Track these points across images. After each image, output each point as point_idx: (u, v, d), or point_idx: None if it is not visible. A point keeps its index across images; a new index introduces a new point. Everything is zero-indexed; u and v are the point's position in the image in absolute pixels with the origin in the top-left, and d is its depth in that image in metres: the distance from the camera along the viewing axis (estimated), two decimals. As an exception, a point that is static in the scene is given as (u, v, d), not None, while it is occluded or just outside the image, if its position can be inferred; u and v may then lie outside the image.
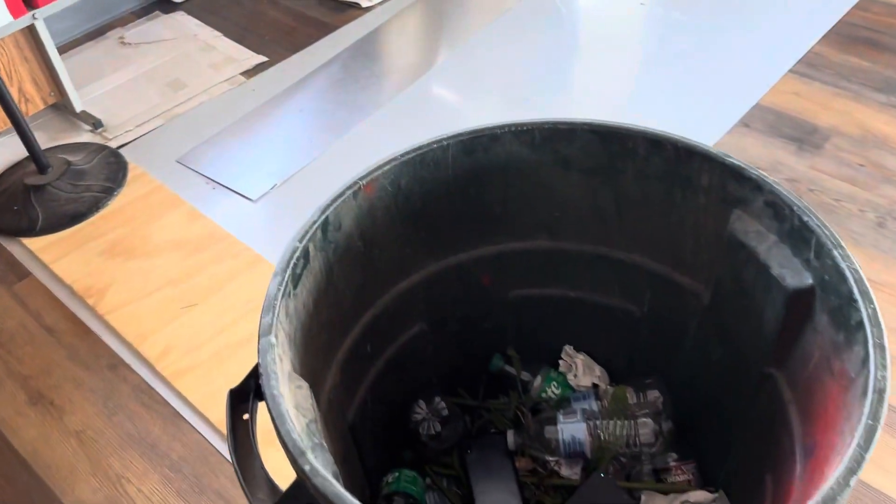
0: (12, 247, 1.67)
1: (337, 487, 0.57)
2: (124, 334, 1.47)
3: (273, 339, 0.67)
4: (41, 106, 1.95)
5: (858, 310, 0.67)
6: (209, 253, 1.62)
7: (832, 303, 0.72)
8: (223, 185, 1.78)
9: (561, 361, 1.10)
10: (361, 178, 0.82)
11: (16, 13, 1.63)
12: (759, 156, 1.76)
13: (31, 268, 1.63)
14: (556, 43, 2.15)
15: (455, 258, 0.97)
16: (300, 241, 0.75)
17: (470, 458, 0.99)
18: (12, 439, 1.33)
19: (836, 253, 0.71)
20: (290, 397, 0.66)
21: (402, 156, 0.85)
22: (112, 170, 1.81)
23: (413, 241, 0.92)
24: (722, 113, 1.87)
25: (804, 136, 1.81)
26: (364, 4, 2.32)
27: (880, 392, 0.62)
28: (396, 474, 0.97)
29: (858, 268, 0.70)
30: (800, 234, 0.75)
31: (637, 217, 0.92)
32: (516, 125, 0.87)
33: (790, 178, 1.71)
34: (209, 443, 1.31)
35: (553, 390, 1.07)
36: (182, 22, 2.32)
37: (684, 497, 0.95)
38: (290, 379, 0.69)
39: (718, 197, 0.83)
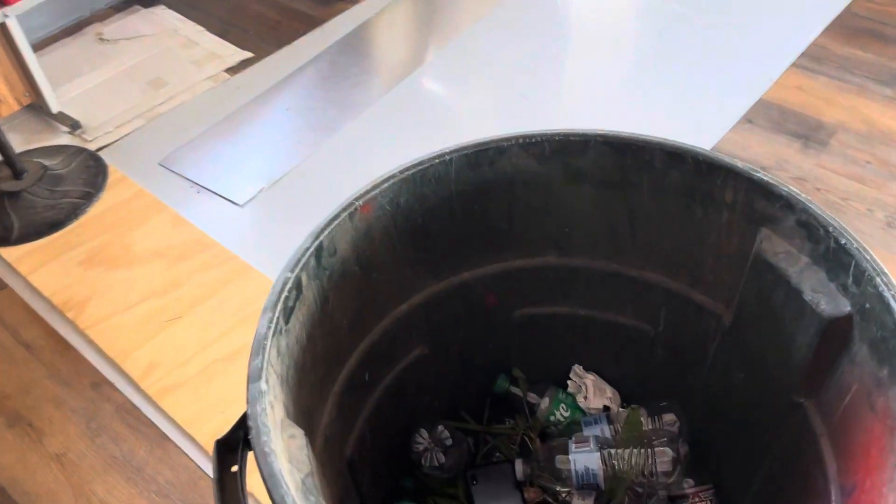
0: (-13, 257, 1.60)
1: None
2: (106, 350, 1.40)
3: (263, 386, 0.61)
4: (15, 107, 1.86)
5: (907, 345, 0.62)
6: (194, 262, 1.55)
7: (874, 334, 0.66)
8: (208, 189, 1.71)
9: (569, 382, 1.04)
10: (358, 199, 0.76)
11: (-15, 11, 1.55)
12: (763, 153, 1.70)
13: (7, 279, 1.55)
14: (551, 36, 2.08)
15: (458, 277, 0.91)
16: (291, 272, 0.69)
17: (476, 489, 0.93)
18: (-12, 465, 1.27)
19: (879, 280, 0.65)
20: (284, 450, 0.60)
21: (401, 172, 0.78)
22: (91, 174, 1.73)
23: (413, 262, 0.85)
24: (724, 109, 1.81)
25: (809, 133, 1.75)
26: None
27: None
28: (398, 507, 0.92)
29: (906, 297, 0.64)
30: (836, 258, 0.69)
31: (652, 233, 0.86)
32: (524, 137, 0.81)
33: (797, 177, 1.65)
34: (198, 466, 1.25)
35: (562, 413, 1.02)
36: (162, 17, 2.23)
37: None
38: (283, 428, 0.62)
39: (744, 214, 0.77)
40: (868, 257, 0.67)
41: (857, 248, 0.68)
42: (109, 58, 2.08)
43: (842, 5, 2.08)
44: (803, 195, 0.72)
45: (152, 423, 1.31)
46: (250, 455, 0.63)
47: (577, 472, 0.90)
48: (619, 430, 0.97)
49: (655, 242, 0.86)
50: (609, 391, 1.03)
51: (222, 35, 2.17)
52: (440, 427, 0.96)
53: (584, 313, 0.96)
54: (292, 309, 0.69)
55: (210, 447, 1.24)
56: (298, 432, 0.64)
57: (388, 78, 1.97)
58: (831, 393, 0.73)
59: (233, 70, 2.03)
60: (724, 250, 0.81)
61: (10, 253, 1.58)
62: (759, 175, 0.74)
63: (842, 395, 0.71)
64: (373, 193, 0.77)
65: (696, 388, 0.94)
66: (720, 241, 0.81)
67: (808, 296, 0.72)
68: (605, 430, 0.96)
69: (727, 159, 0.76)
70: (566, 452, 0.92)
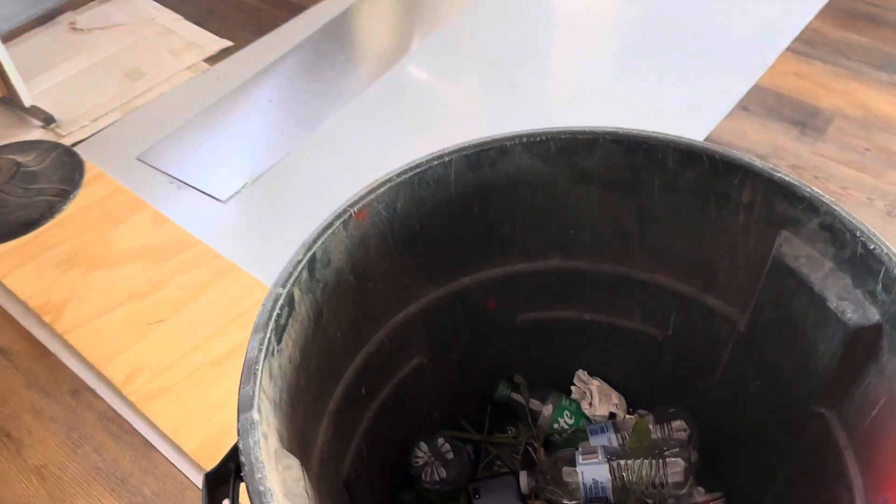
0: (-42, 259, 1.53)
1: None
2: (87, 355, 1.35)
3: (255, 416, 0.56)
4: (-15, 101, 1.79)
5: (944, 358, 0.58)
6: (176, 261, 1.49)
7: (907, 345, 0.62)
8: (189, 185, 1.65)
9: (573, 388, 1.00)
10: (352, 205, 0.71)
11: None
12: (760, 141, 1.67)
13: (-20, 283, 1.49)
14: (539, 23, 2.03)
15: (457, 283, 0.86)
16: (283, 287, 0.64)
17: (479, 503, 0.89)
18: (-36, 480, 1.21)
19: (913, 288, 0.61)
20: (279, 485, 0.55)
21: (397, 176, 0.73)
22: (67, 170, 1.67)
23: (410, 269, 0.81)
24: (719, 95, 1.76)
25: (806, 120, 1.71)
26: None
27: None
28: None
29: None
30: (864, 263, 0.65)
31: (663, 235, 0.82)
32: (528, 135, 0.76)
33: (794, 165, 1.61)
34: (185, 476, 1.20)
35: (566, 420, 0.98)
36: (138, 5, 2.16)
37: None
38: (278, 459, 0.58)
39: (762, 216, 0.73)
40: (900, 264, 0.63)
41: (887, 254, 0.63)
42: (84, 48, 2.01)
43: (835, -13, 2.05)
44: (827, 197, 0.68)
45: (136, 431, 1.26)
46: (243, 485, 0.58)
47: (584, 484, 0.86)
48: (627, 438, 0.93)
49: (666, 244, 0.82)
50: (615, 397, 0.98)
51: (201, 23, 2.10)
52: (440, 440, 0.91)
53: (589, 317, 0.92)
54: (284, 327, 0.64)
55: (198, 455, 1.21)
56: (294, 462, 0.59)
57: (373, 67, 1.92)
58: (856, 404, 0.70)
59: (212, 60, 1.97)
60: (740, 253, 0.77)
61: (-17, 255, 1.52)
62: (779, 175, 0.70)
63: (868, 407, 0.68)
64: (368, 199, 0.72)
65: (707, 395, 0.90)
66: (736, 243, 0.77)
67: (832, 303, 0.67)
68: (612, 439, 0.92)
69: (745, 158, 0.71)
70: (573, 464, 0.88)
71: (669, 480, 0.86)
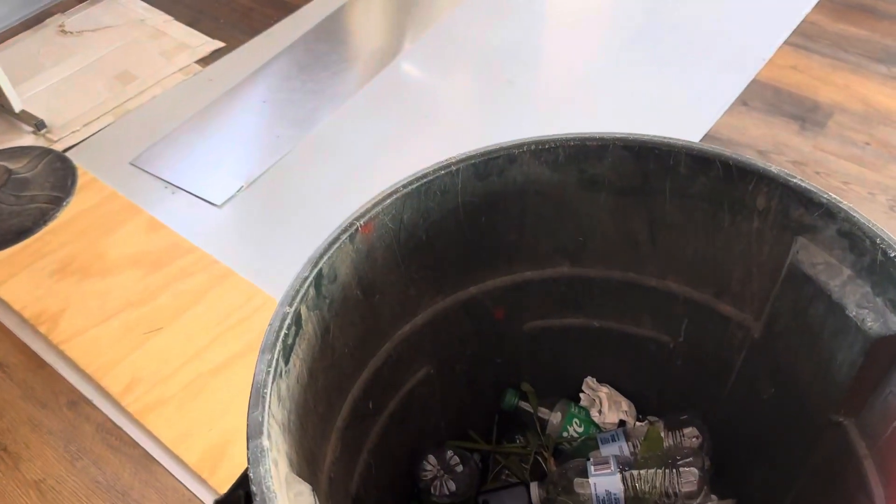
0: (-50, 269, 1.51)
1: None
2: (83, 366, 1.32)
3: (265, 443, 0.54)
4: (-26, 107, 1.76)
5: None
6: (172, 268, 1.47)
7: (930, 355, 0.61)
8: (184, 190, 1.62)
9: (582, 395, 0.98)
10: (358, 218, 0.69)
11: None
12: (761, 137, 1.65)
13: (-28, 293, 1.46)
14: (535, 19, 2.01)
15: (465, 293, 0.85)
16: (290, 306, 0.62)
17: (489, 516, 0.88)
18: (-39, 496, 1.19)
19: (936, 298, 0.60)
20: (293, 514, 0.53)
21: (403, 187, 0.71)
22: (59, 176, 1.64)
23: (417, 281, 0.79)
24: (718, 91, 1.75)
25: (806, 114, 1.70)
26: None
27: None
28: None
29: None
30: (885, 271, 0.64)
31: (674, 241, 0.80)
32: (537, 143, 0.74)
33: (796, 161, 1.60)
34: (187, 488, 1.18)
35: (575, 428, 0.96)
36: (128, 6, 2.12)
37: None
38: (289, 485, 0.56)
39: (778, 222, 0.71)
40: (923, 272, 0.61)
41: (909, 262, 0.62)
42: (73, 51, 1.97)
43: (832, -21, 2.03)
44: (845, 203, 0.66)
45: (136, 443, 1.24)
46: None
47: (597, 496, 0.85)
48: (638, 446, 0.92)
49: (677, 251, 0.80)
50: (625, 404, 0.97)
51: (191, 24, 2.07)
52: (449, 452, 0.90)
53: (598, 325, 0.91)
54: (292, 346, 0.62)
55: (199, 467, 1.19)
56: (306, 488, 0.57)
57: (368, 66, 1.89)
58: (876, 413, 0.68)
59: (204, 61, 1.94)
60: (754, 260, 0.75)
61: (-25, 265, 1.49)
62: (795, 181, 0.68)
63: (890, 416, 0.66)
64: (374, 211, 0.70)
65: (720, 402, 0.88)
66: (750, 249, 0.75)
67: (852, 311, 0.66)
68: (623, 448, 0.91)
69: (760, 164, 0.70)
70: (585, 475, 0.86)
71: (683, 490, 0.85)
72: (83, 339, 1.36)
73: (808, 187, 0.67)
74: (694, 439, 0.91)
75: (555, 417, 0.97)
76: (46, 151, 1.70)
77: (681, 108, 1.70)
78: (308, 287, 0.64)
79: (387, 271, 0.75)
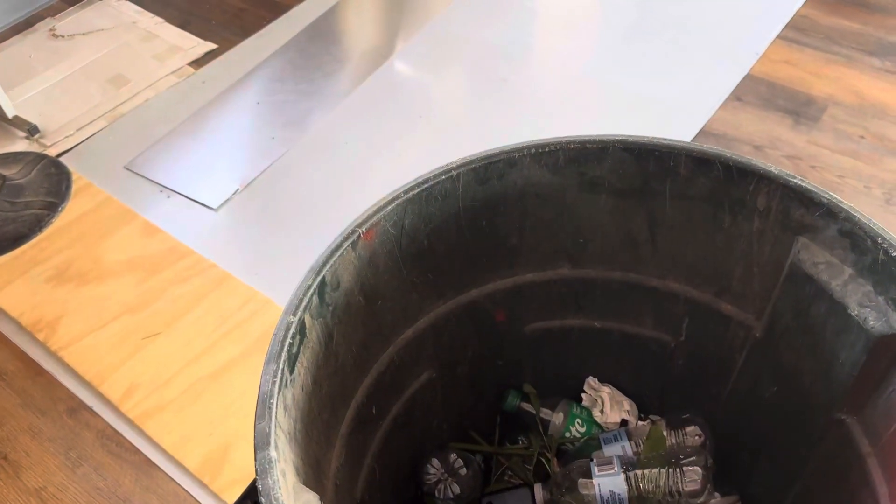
0: (-54, 277, 1.50)
1: None
2: (82, 373, 1.32)
3: (273, 453, 0.54)
4: (-34, 113, 1.75)
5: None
6: (169, 272, 1.46)
7: (933, 353, 0.61)
8: (179, 193, 1.62)
9: (584, 395, 0.99)
10: (360, 225, 0.69)
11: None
12: (755, 132, 1.65)
13: (-31, 301, 1.46)
14: (530, 15, 2.01)
15: (466, 296, 0.85)
16: (294, 315, 0.62)
17: (493, 518, 0.88)
18: (-38, 506, 1.19)
19: (939, 297, 0.60)
20: (302, 524, 0.53)
21: (405, 193, 0.71)
22: (53, 182, 1.63)
23: (419, 285, 0.79)
24: (712, 86, 1.75)
25: (800, 109, 1.70)
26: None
27: None
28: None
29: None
30: (887, 270, 0.64)
31: (675, 241, 0.80)
32: (537, 146, 0.74)
33: (790, 156, 1.60)
34: (189, 493, 1.18)
35: (578, 428, 0.96)
36: (119, 8, 2.11)
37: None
38: (297, 494, 0.56)
39: (778, 222, 0.71)
40: (925, 271, 0.61)
41: (911, 261, 0.62)
42: (65, 55, 1.96)
43: (824, -28, 2.03)
44: (846, 203, 0.67)
45: (136, 449, 1.23)
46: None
47: (601, 496, 0.85)
48: (641, 445, 0.92)
49: (678, 251, 0.81)
50: (627, 403, 0.97)
51: (183, 26, 2.06)
52: (452, 455, 0.90)
53: (599, 325, 0.91)
54: (297, 355, 0.62)
55: (201, 472, 1.19)
56: (313, 497, 0.57)
57: (362, 66, 1.89)
58: (879, 412, 0.69)
59: (197, 63, 1.93)
60: (755, 259, 0.76)
61: (-29, 272, 1.48)
62: (796, 181, 0.68)
63: (892, 414, 0.67)
64: (376, 218, 0.70)
65: (722, 400, 0.89)
66: (751, 249, 0.75)
67: (854, 310, 0.66)
68: (626, 448, 0.91)
69: (760, 164, 0.70)
70: (588, 475, 0.87)
71: (687, 489, 0.85)
72: (81, 346, 1.36)
73: (809, 187, 0.68)
74: (696, 438, 0.91)
75: (557, 418, 0.97)
76: (40, 157, 1.69)
77: (675, 105, 1.70)
78: (312, 296, 0.64)
79: (389, 277, 0.75)
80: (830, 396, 0.73)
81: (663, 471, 0.85)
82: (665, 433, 0.92)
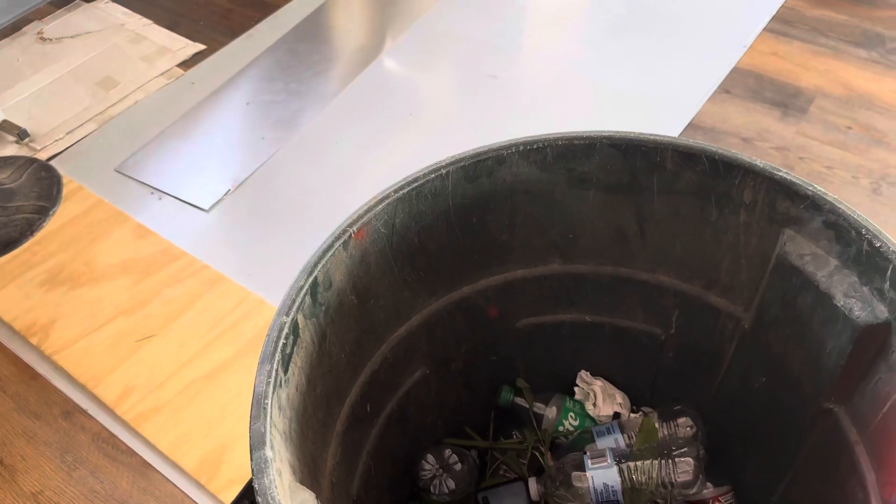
0: (-62, 283, 1.50)
1: None
2: (77, 376, 1.32)
3: (269, 453, 0.54)
4: (-45, 118, 1.75)
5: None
6: (162, 274, 1.46)
7: (917, 342, 0.62)
8: (170, 195, 1.62)
9: (576, 388, 0.99)
10: (351, 225, 0.69)
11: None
12: (744, 124, 1.67)
13: (-39, 306, 1.45)
14: (516, 12, 2.01)
15: (458, 293, 0.85)
16: (287, 315, 0.62)
17: (488, 512, 0.89)
18: (-42, 512, 1.19)
19: (922, 285, 0.61)
20: (298, 522, 0.54)
21: (395, 192, 0.72)
22: (44, 186, 1.63)
23: (411, 283, 0.79)
24: (699, 79, 1.76)
25: (788, 100, 1.72)
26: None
27: None
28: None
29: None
30: (871, 261, 0.65)
31: (663, 235, 0.81)
32: (525, 143, 0.74)
33: (779, 147, 1.62)
34: (186, 494, 1.18)
35: (571, 422, 0.97)
36: (107, 11, 2.11)
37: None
38: (293, 494, 0.57)
39: (764, 215, 0.72)
40: (908, 261, 0.62)
41: (893, 252, 0.63)
42: (53, 58, 1.96)
43: (809, -36, 2.04)
44: (831, 195, 0.68)
45: (132, 451, 1.24)
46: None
47: (595, 489, 0.86)
48: (633, 437, 0.93)
49: (667, 245, 0.81)
50: (619, 396, 0.98)
51: (171, 27, 2.05)
52: (447, 451, 0.91)
53: (590, 319, 0.92)
54: (290, 356, 0.63)
55: (197, 473, 1.20)
56: (310, 496, 0.58)
57: (351, 65, 1.89)
58: (866, 400, 0.70)
59: (186, 64, 1.93)
60: (742, 252, 0.76)
61: (-36, 277, 1.48)
62: (781, 174, 0.69)
63: (879, 403, 0.68)
64: (366, 217, 0.70)
65: (712, 391, 0.90)
66: (738, 242, 0.76)
67: (839, 301, 0.67)
68: (619, 440, 0.92)
69: (745, 158, 0.71)
70: (582, 468, 0.88)
71: (679, 479, 0.86)
72: (75, 349, 1.36)
73: (794, 180, 0.69)
74: (688, 429, 0.92)
75: (550, 412, 0.98)
76: (30, 161, 1.68)
77: (663, 98, 1.71)
78: (304, 296, 0.64)
79: (381, 275, 0.75)
80: (819, 386, 0.74)
81: (656, 462, 0.86)
82: (657, 425, 0.93)
